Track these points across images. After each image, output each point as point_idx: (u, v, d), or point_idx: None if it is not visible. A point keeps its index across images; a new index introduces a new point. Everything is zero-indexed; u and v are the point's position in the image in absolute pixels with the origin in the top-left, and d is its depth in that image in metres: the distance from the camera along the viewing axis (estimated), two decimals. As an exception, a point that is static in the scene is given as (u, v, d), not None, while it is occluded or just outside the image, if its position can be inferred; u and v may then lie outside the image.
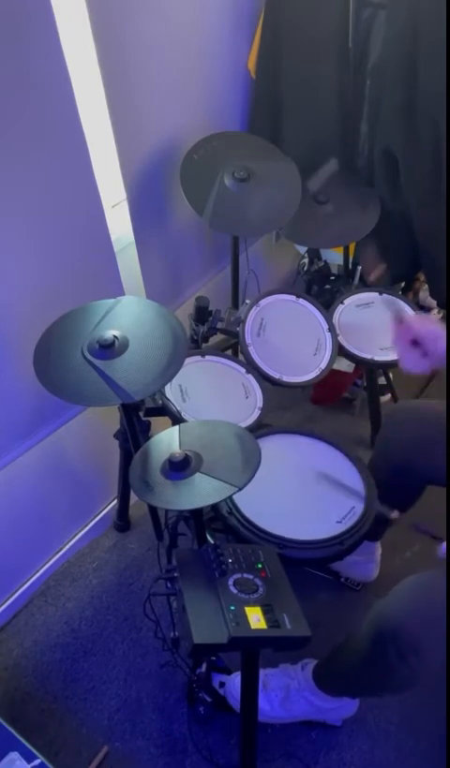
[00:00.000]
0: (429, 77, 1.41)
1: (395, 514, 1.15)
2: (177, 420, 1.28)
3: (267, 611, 0.92)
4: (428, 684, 1.11)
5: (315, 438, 1.35)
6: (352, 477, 1.26)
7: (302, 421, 2.07)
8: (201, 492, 0.98)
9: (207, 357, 1.43)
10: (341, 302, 1.60)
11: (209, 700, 1.37)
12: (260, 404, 1.37)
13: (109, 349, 1.06)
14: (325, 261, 1.88)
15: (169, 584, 1.01)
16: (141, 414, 1.33)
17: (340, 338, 1.52)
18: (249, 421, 1.33)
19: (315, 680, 1.31)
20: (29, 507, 1.55)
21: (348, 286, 1.74)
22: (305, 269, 1.89)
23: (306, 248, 1.91)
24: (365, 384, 1.93)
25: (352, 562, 1.59)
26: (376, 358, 1.52)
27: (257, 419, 1.34)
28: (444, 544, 1.05)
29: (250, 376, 1.41)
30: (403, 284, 2.08)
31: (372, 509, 1.19)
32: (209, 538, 1.30)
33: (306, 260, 1.91)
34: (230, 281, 1.72)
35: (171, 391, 1.33)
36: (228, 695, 1.35)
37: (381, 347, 1.53)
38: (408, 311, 1.58)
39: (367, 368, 1.82)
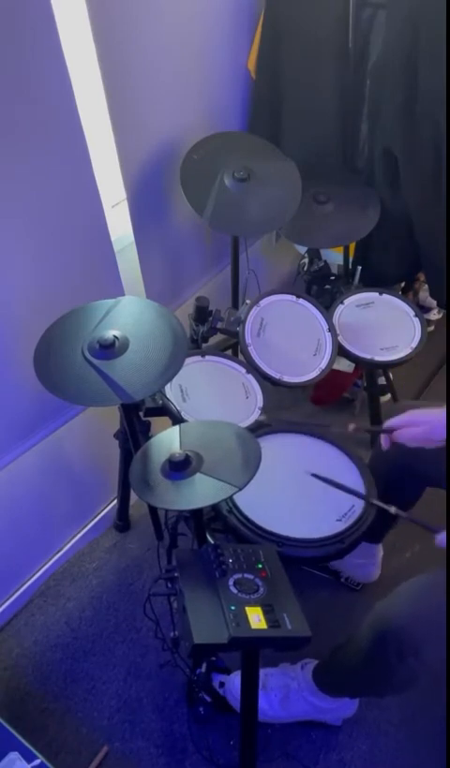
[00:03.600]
0: (429, 77, 1.41)
1: (393, 510, 1.15)
2: (177, 420, 1.28)
3: (268, 611, 0.92)
4: (428, 685, 1.11)
5: (315, 437, 1.35)
6: (352, 475, 1.25)
7: (302, 422, 2.07)
8: (201, 492, 0.98)
9: (207, 357, 1.42)
10: (341, 303, 1.60)
11: (209, 700, 1.37)
12: (260, 404, 1.37)
13: (109, 349, 1.06)
14: (325, 261, 1.88)
15: (169, 584, 1.01)
16: (141, 414, 1.33)
17: (340, 338, 1.52)
18: (249, 421, 1.33)
19: (315, 680, 1.31)
20: (29, 507, 1.55)
21: (348, 286, 1.73)
22: (305, 269, 1.89)
23: (306, 248, 1.91)
24: (365, 384, 1.93)
25: (353, 564, 1.59)
26: (376, 358, 1.52)
27: (257, 419, 1.34)
28: (442, 534, 1.05)
29: (250, 376, 1.41)
30: (403, 284, 2.08)
31: (371, 502, 1.19)
32: (209, 538, 1.30)
33: (306, 260, 1.90)
34: (230, 281, 1.71)
35: (171, 391, 1.33)
36: (228, 695, 1.35)
37: (381, 347, 1.53)
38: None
39: (367, 368, 1.82)
